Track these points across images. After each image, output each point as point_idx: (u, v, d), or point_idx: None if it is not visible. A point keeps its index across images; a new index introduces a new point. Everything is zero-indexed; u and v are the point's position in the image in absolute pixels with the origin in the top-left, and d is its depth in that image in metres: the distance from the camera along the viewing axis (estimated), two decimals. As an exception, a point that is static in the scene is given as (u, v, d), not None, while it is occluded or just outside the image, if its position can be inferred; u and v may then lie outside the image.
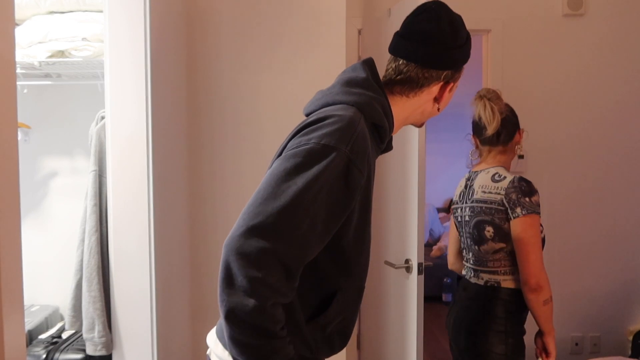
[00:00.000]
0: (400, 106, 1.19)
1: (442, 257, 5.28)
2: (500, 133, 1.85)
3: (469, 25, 3.17)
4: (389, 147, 1.30)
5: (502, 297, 1.77)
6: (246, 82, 2.47)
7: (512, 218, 1.73)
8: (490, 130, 1.82)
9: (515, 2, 3.14)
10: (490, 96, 1.84)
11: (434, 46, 1.15)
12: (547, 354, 1.78)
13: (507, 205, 1.74)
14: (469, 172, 1.97)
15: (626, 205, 3.20)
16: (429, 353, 3.84)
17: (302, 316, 1.08)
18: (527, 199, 1.70)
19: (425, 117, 1.26)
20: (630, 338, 3.13)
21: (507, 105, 1.88)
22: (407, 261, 2.19)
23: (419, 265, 2.11)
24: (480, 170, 1.89)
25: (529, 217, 1.69)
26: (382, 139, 1.16)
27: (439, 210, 6.49)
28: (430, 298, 4.82)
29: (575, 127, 3.18)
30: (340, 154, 0.98)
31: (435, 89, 1.18)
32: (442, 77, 1.17)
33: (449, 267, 2.10)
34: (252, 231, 0.93)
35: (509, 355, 1.74)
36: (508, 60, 3.15)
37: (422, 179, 2.13)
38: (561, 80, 3.16)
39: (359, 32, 2.99)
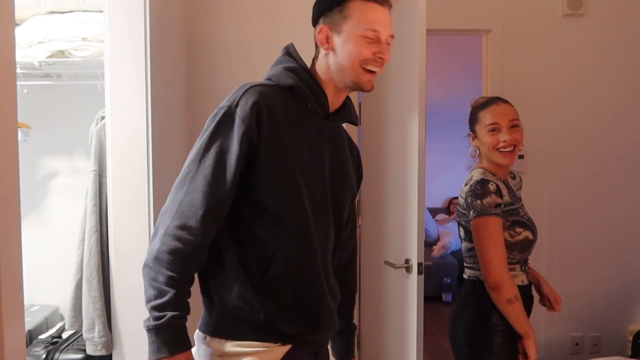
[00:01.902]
0: (319, 66, 1.31)
1: (443, 257, 5.27)
2: None
3: (469, 25, 3.18)
4: (346, 118, 1.36)
5: (485, 291, 1.78)
6: (247, 81, 2.46)
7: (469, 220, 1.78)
8: None
9: (515, 2, 3.13)
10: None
11: (315, 4, 1.32)
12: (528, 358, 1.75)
13: (465, 208, 1.79)
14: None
15: (626, 205, 3.19)
16: (429, 353, 3.83)
17: (242, 272, 1.19)
18: (478, 202, 1.73)
19: (346, 72, 1.27)
20: (630, 338, 3.13)
21: None
22: (407, 261, 2.18)
23: (419, 265, 2.11)
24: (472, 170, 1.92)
25: (481, 219, 1.72)
26: (305, 98, 1.26)
27: (439, 210, 6.48)
28: (430, 298, 4.80)
29: (575, 127, 3.17)
30: (227, 109, 1.19)
31: (321, 37, 1.29)
32: (321, 22, 1.30)
33: None
34: (170, 192, 1.18)
35: (496, 349, 1.76)
36: (508, 60, 3.14)
37: (422, 178, 2.13)
38: (561, 80, 3.16)
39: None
